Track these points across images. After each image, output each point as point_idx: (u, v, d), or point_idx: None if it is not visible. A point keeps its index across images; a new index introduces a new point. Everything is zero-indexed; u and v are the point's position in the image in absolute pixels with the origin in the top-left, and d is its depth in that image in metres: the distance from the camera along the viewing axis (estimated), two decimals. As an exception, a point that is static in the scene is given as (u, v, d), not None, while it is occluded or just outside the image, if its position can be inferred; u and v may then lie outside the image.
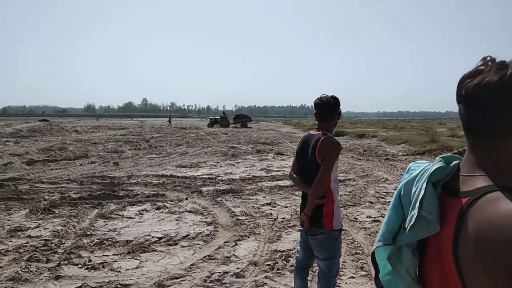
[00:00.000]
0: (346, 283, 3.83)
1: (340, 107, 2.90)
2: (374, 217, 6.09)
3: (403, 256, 0.89)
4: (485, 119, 0.79)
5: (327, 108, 2.82)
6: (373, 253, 1.04)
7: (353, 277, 3.98)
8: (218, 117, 49.66)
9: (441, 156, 0.92)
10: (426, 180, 0.86)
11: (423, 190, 0.85)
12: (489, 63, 0.80)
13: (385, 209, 6.55)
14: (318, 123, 2.89)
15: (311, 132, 2.93)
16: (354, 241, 5.01)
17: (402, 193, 0.94)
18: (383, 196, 7.64)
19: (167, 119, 55.14)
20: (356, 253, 4.59)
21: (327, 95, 2.83)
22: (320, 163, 2.70)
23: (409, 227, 0.86)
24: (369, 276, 4.00)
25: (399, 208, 0.95)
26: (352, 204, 6.97)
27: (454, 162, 0.88)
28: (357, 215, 6.22)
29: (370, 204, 7.02)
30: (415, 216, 0.84)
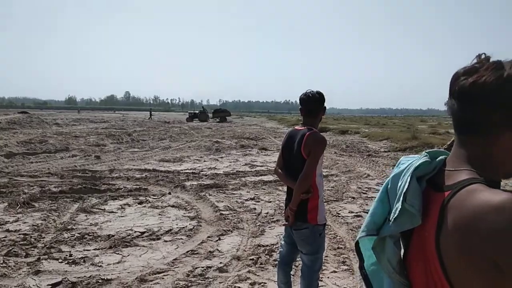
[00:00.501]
0: (328, 277, 3.87)
1: (325, 102, 2.92)
2: (356, 212, 6.16)
3: (385, 247, 0.91)
4: (479, 117, 0.81)
5: (313, 103, 2.83)
6: (357, 242, 1.05)
7: (335, 272, 4.03)
8: (197, 111, 48.91)
9: (426, 151, 0.93)
10: (410, 174, 0.87)
11: (407, 184, 0.86)
12: (485, 61, 0.81)
13: (367, 204, 6.64)
14: (303, 118, 2.91)
15: (296, 127, 2.94)
16: (337, 236, 5.06)
17: (389, 186, 0.95)
18: (365, 192, 7.73)
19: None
20: (338, 248, 4.64)
21: (313, 91, 2.84)
22: (305, 158, 2.71)
23: (393, 219, 0.88)
24: (351, 270, 4.05)
25: (385, 200, 0.96)
26: (335, 199, 7.04)
27: (440, 157, 0.89)
28: (340, 210, 6.28)
29: (352, 199, 7.09)
30: (399, 209, 0.85)
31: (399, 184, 0.90)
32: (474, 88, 0.79)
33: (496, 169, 0.81)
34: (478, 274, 0.68)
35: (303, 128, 2.83)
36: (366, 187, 8.18)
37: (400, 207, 0.85)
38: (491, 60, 0.82)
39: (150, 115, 51.33)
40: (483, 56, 0.84)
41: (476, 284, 0.69)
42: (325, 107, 2.91)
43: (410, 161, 0.93)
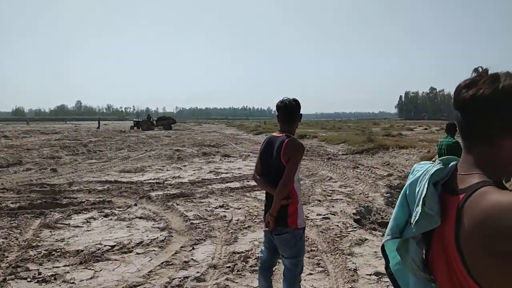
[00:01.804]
0: (305, 279, 3.95)
1: (301, 109, 3.01)
2: (324, 215, 6.31)
3: (409, 247, 0.99)
4: (479, 126, 0.90)
5: (290, 110, 2.92)
6: (382, 245, 1.13)
7: (311, 274, 4.12)
8: (141, 120, 46.62)
9: (439, 158, 1.03)
10: (427, 180, 0.96)
11: (425, 190, 0.95)
12: (484, 74, 0.90)
13: (333, 206, 6.83)
14: (280, 125, 2.98)
15: (274, 134, 3.01)
16: (308, 238, 5.16)
17: (407, 192, 1.04)
18: (329, 194, 7.93)
19: (104, 122, 52.50)
20: (311, 250, 4.75)
21: (289, 98, 2.93)
22: (284, 165, 2.78)
23: (414, 222, 0.96)
24: (326, 272, 4.16)
25: (405, 205, 1.05)
26: (302, 202, 7.13)
27: (451, 163, 0.99)
28: (308, 213, 6.40)
29: (319, 202, 7.26)
30: (419, 212, 0.94)
31: (417, 190, 0.99)
32: (473, 100, 0.89)
33: (500, 172, 0.91)
34: (494, 268, 0.77)
35: (281, 135, 2.90)
36: (330, 190, 8.40)
37: (420, 210, 0.93)
38: (489, 72, 0.92)
39: (99, 124, 49.49)
40: (480, 70, 0.94)
41: (495, 277, 0.77)
42: (301, 114, 3.01)
43: (425, 168, 1.02)
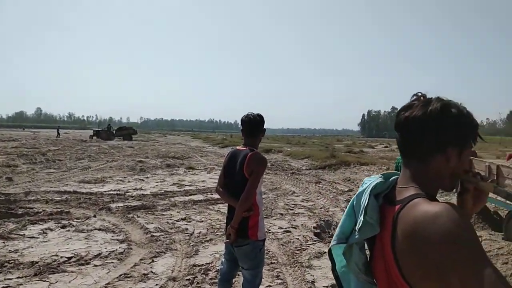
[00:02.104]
0: (264, 292, 4.01)
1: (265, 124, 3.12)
2: (285, 228, 6.41)
3: (353, 252, 1.09)
4: (412, 145, 1.03)
5: (254, 125, 3.02)
6: (329, 249, 1.23)
7: (270, 286, 4.19)
8: (100, 129, 45.48)
9: (382, 173, 1.14)
10: (369, 193, 1.06)
11: (366, 201, 1.05)
12: (421, 98, 1.03)
13: (294, 220, 6.95)
14: (244, 139, 3.08)
15: (238, 147, 3.09)
16: (269, 251, 5.24)
17: (355, 202, 1.15)
18: (292, 208, 8.06)
19: (65, 130, 50.86)
20: (271, 263, 4.82)
21: (253, 113, 3.04)
22: (247, 178, 2.86)
23: (358, 229, 1.06)
24: (284, 284, 4.24)
25: (352, 214, 1.16)
26: (264, 216, 7.21)
27: (392, 178, 1.10)
28: (270, 227, 6.48)
29: (281, 215, 7.37)
30: (361, 221, 1.04)
31: (362, 201, 1.09)
32: (407, 122, 1.02)
33: (433, 186, 1.03)
34: (423, 273, 0.87)
35: (245, 148, 2.99)
36: (293, 204, 8.53)
37: (362, 219, 1.04)
38: (427, 97, 1.04)
39: (58, 133, 48.12)
40: (419, 94, 1.06)
41: (427, 284, 0.87)
42: (265, 128, 3.12)
43: (371, 181, 1.12)
